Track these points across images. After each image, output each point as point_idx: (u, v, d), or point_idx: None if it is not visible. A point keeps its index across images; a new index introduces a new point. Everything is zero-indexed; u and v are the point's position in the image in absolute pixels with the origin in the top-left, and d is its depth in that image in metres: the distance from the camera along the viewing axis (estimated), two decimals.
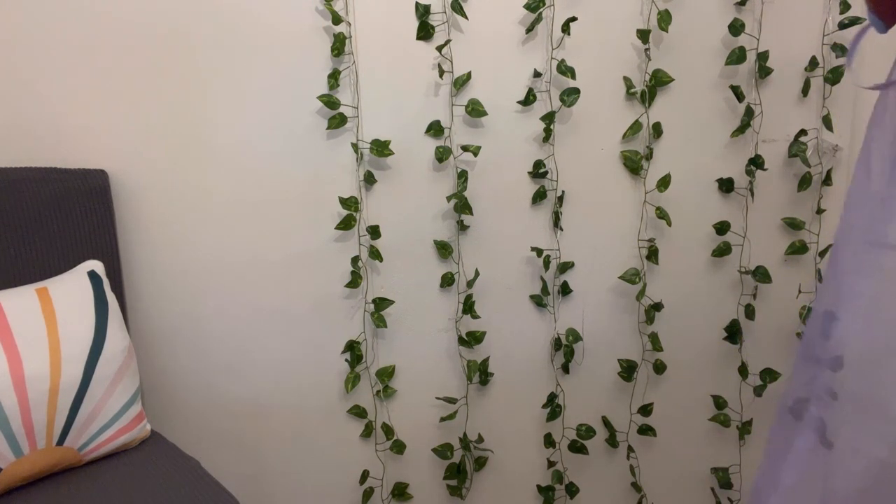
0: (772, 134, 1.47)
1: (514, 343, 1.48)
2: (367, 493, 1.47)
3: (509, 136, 1.40)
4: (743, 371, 1.53)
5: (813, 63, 1.44)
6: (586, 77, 1.39)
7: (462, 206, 1.38)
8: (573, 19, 1.35)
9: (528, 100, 1.38)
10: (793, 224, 1.49)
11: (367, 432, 1.46)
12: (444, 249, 1.40)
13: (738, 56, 1.40)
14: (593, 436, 1.51)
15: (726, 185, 1.47)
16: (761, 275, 1.48)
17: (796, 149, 1.46)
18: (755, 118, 1.45)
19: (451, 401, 1.47)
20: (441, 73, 1.34)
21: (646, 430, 1.53)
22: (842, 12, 1.41)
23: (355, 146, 1.35)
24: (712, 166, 1.47)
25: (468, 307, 1.42)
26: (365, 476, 1.47)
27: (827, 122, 1.46)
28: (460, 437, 1.50)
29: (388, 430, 1.46)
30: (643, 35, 1.38)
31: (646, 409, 1.53)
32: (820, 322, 0.76)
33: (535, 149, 1.41)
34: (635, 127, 1.41)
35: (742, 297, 1.53)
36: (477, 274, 1.43)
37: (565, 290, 1.47)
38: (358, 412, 1.44)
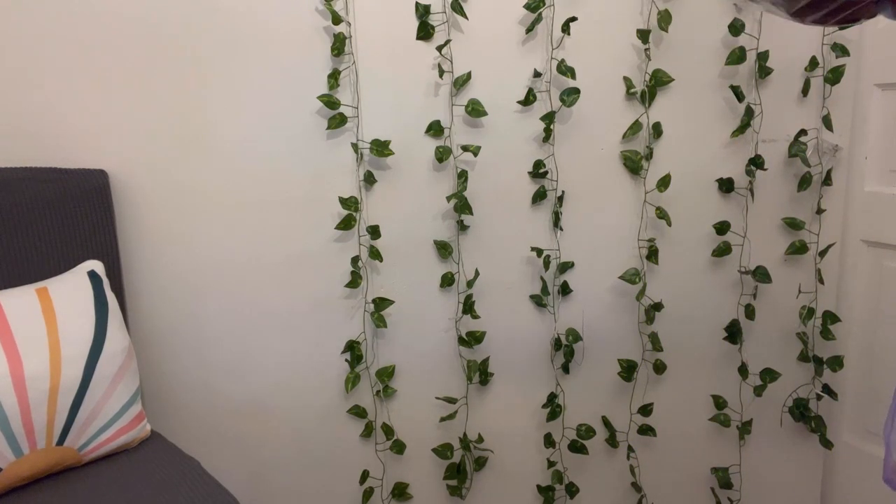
0: (772, 134, 1.47)
1: (514, 343, 1.48)
2: (367, 493, 1.47)
3: (509, 136, 1.40)
4: (743, 371, 1.53)
5: (813, 63, 1.44)
6: (586, 77, 1.39)
7: (462, 206, 1.38)
8: (573, 19, 1.35)
9: (528, 100, 1.38)
10: (793, 224, 1.49)
11: (367, 432, 1.46)
12: (444, 249, 1.40)
13: (738, 56, 1.40)
14: (593, 436, 1.51)
15: (726, 185, 1.47)
16: (761, 275, 1.48)
17: (796, 149, 1.46)
18: (755, 118, 1.45)
19: (451, 401, 1.47)
20: (441, 73, 1.34)
21: (646, 430, 1.53)
22: None
23: (355, 146, 1.35)
24: (712, 166, 1.47)
25: (468, 307, 1.42)
26: (365, 476, 1.47)
27: (827, 122, 1.46)
28: (460, 437, 1.50)
29: (388, 430, 1.46)
30: (643, 35, 1.38)
31: (646, 409, 1.53)
32: None
33: (535, 149, 1.41)
34: (635, 127, 1.41)
35: (742, 297, 1.53)
36: (477, 274, 1.43)
37: (565, 290, 1.47)
38: (358, 412, 1.44)
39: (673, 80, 1.40)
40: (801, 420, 1.56)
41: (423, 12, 1.32)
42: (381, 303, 1.39)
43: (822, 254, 1.50)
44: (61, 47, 1.22)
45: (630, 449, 1.56)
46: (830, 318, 1.50)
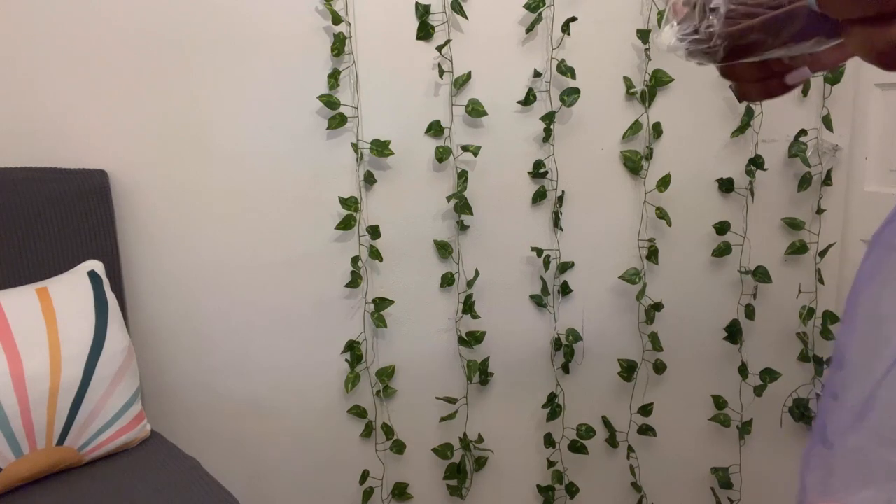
0: (772, 134, 1.47)
1: (514, 343, 1.48)
2: (367, 493, 1.47)
3: (509, 136, 1.40)
4: (743, 371, 1.53)
5: None
6: (586, 77, 1.39)
7: (462, 206, 1.38)
8: (573, 19, 1.35)
9: (528, 100, 1.38)
10: (793, 224, 1.49)
11: (367, 432, 1.46)
12: (444, 249, 1.40)
13: None
14: (593, 436, 1.51)
15: (726, 185, 1.47)
16: (761, 275, 1.48)
17: (796, 149, 1.46)
18: (755, 118, 1.45)
19: (451, 401, 1.47)
20: (441, 73, 1.34)
21: (646, 430, 1.53)
22: None
23: (355, 146, 1.35)
24: (712, 166, 1.47)
25: (468, 307, 1.42)
26: (365, 476, 1.47)
27: (827, 122, 1.46)
28: (460, 437, 1.49)
29: (388, 430, 1.46)
30: (643, 35, 1.38)
31: (646, 409, 1.53)
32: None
33: (535, 149, 1.41)
34: (635, 127, 1.41)
35: (742, 297, 1.53)
36: (477, 274, 1.43)
37: (565, 290, 1.47)
38: (358, 412, 1.44)
39: (673, 80, 1.40)
40: (801, 420, 1.56)
41: (423, 12, 1.32)
42: (381, 303, 1.39)
43: (822, 254, 1.50)
44: (62, 48, 1.22)
45: (630, 449, 1.56)
46: (830, 318, 1.50)
